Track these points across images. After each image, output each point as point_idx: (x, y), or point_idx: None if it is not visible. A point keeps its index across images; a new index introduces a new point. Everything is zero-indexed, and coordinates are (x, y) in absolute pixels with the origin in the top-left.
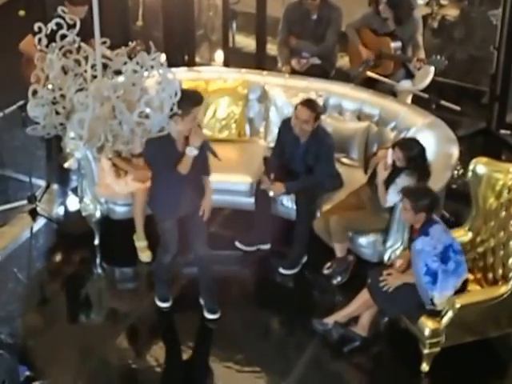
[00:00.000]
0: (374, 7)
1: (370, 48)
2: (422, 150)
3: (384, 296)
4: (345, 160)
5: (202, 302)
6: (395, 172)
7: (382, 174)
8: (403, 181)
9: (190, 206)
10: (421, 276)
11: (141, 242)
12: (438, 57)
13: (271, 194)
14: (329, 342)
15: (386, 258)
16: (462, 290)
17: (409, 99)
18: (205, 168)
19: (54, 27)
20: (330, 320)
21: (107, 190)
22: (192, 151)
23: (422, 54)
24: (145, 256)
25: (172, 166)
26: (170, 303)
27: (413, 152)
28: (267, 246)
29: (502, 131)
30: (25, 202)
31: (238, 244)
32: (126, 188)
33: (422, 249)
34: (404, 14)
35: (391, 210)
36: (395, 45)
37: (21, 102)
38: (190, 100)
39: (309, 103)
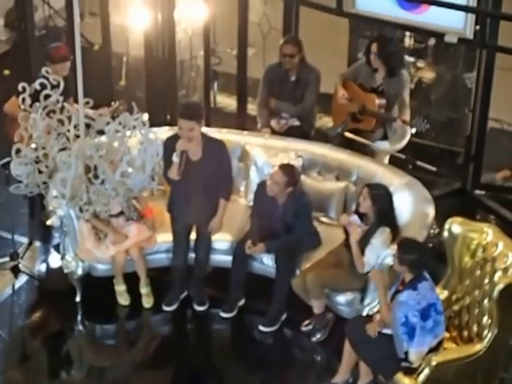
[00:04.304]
0: (365, 57)
1: (355, 102)
2: (388, 190)
3: (363, 342)
4: (324, 219)
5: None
6: (368, 232)
7: (354, 244)
8: (378, 240)
9: (197, 218)
10: (397, 325)
11: (120, 286)
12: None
13: (254, 254)
14: None
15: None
16: (436, 348)
17: (386, 159)
18: (221, 189)
19: (38, 87)
20: (338, 379)
21: (88, 255)
22: (173, 157)
23: (407, 115)
24: (123, 299)
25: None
26: (173, 308)
27: (379, 190)
28: (242, 302)
29: (477, 191)
30: (7, 258)
31: (222, 314)
32: (107, 253)
33: (405, 301)
34: (395, 67)
35: None
36: (380, 102)
37: (4, 160)
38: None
39: (285, 168)
